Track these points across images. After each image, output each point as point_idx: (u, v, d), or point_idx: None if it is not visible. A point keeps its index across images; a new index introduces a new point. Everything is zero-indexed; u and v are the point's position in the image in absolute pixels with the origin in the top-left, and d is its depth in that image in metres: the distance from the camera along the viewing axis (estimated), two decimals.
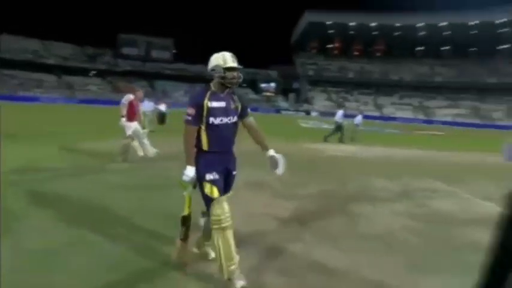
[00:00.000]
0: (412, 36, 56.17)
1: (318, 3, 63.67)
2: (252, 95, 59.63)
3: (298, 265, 2.91)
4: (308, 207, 4.63)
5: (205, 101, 2.49)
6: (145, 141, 7.33)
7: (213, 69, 2.56)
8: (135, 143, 7.32)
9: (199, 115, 2.48)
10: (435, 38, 55.16)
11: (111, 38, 59.04)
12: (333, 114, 15.50)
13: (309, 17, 57.29)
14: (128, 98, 7.16)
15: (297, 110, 51.51)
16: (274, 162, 2.67)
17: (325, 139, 13.66)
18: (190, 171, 2.54)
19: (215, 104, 2.52)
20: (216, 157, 2.58)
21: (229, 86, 2.55)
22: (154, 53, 60.84)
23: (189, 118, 2.49)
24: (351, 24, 57.35)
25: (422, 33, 55.40)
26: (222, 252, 2.39)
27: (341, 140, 13.80)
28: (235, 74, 2.54)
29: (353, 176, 7.03)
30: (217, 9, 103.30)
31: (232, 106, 2.61)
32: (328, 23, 57.70)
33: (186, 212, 2.70)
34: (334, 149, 11.49)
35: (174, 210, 3.11)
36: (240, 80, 2.58)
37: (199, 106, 2.48)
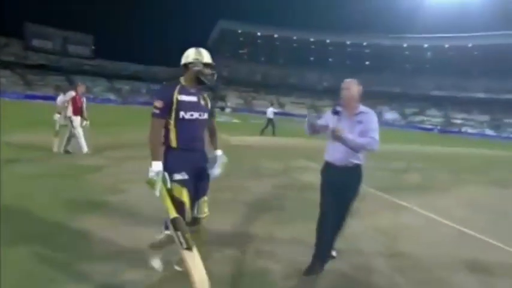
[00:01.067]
0: (306, 48, 60.95)
1: (231, 13, 64.22)
2: None
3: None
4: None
5: (175, 94, 2.14)
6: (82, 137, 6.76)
7: (190, 63, 2.21)
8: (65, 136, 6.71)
9: (168, 108, 2.13)
10: (322, 52, 60.92)
11: (16, 28, 50.39)
12: (243, 110, 16.10)
13: (222, 25, 57.80)
14: (70, 94, 6.66)
15: (213, 107, 51.56)
16: (213, 162, 2.37)
17: (261, 132, 14.01)
18: (156, 166, 2.07)
19: (185, 98, 2.17)
20: (186, 155, 2.19)
21: (206, 82, 2.23)
22: (72, 48, 54.26)
23: (156, 111, 2.11)
24: (258, 34, 59.66)
25: (312, 46, 60.68)
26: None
27: (273, 133, 14.07)
28: (211, 71, 2.26)
29: (249, 160, 7.72)
30: (138, 8, 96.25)
31: (203, 102, 2.28)
32: (239, 31, 59.18)
33: (172, 214, 2.04)
34: (239, 139, 12.18)
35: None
36: (215, 77, 2.28)
37: (168, 99, 2.12)
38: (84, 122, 6.85)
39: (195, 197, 2.24)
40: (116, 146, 7.81)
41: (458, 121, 52.28)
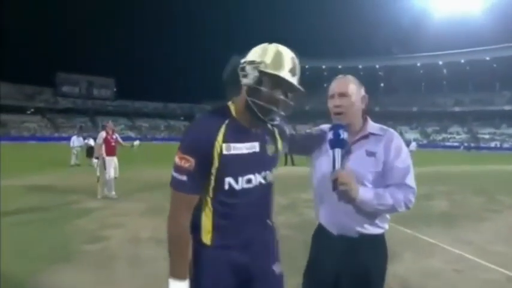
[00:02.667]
0: (319, 75, 61.32)
1: (244, 49, 66.82)
2: None
3: None
4: None
5: (217, 140, 1.04)
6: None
7: (242, 68, 1.09)
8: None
9: (204, 171, 1.06)
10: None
11: (49, 77, 54.43)
12: None
13: (235, 60, 59.69)
14: (101, 136, 6.37)
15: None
16: None
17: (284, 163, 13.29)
18: None
19: (240, 149, 1.08)
20: (234, 258, 1.14)
21: (260, 115, 1.07)
22: (96, 92, 57.66)
23: (182, 178, 1.04)
24: None
25: (325, 73, 60.91)
26: None
27: (292, 162, 13.48)
28: (281, 95, 1.08)
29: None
30: (156, 47, 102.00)
31: (270, 150, 1.19)
32: None
33: None
34: None
35: None
36: (289, 112, 1.15)
37: (203, 151, 1.04)
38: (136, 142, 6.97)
39: None
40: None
41: (486, 136, 49.55)
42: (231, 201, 1.10)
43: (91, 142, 13.13)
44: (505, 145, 44.53)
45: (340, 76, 1.41)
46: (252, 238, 1.17)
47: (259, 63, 1.05)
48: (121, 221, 4.59)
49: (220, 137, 1.04)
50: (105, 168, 6.24)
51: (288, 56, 1.08)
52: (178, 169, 1.04)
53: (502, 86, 52.00)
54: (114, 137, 6.47)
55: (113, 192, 6.24)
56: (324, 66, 59.29)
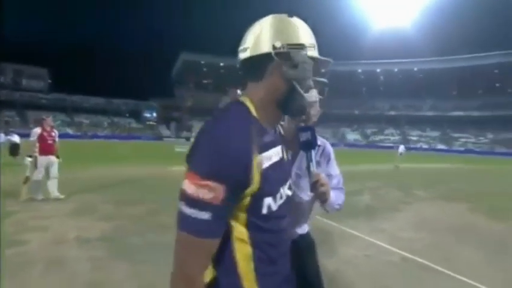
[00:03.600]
0: None
1: (193, 45, 65.11)
2: (134, 124, 56.19)
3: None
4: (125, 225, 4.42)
5: (255, 152, 0.74)
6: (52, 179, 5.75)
7: (276, 53, 0.79)
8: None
9: (234, 201, 0.74)
10: None
11: None
12: None
13: (184, 56, 58.30)
14: (35, 132, 5.63)
15: (178, 137, 50.57)
16: None
17: None
18: None
19: (269, 156, 0.81)
20: None
21: (299, 114, 0.91)
22: (25, 82, 51.72)
23: (202, 216, 0.69)
24: (221, 64, 60.68)
25: None
26: None
27: None
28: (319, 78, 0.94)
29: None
30: (101, 40, 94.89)
31: (288, 154, 1.07)
32: (202, 62, 59.95)
33: None
34: None
35: None
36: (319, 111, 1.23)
37: (239, 171, 0.71)
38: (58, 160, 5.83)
39: None
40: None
41: (414, 138, 55.34)
42: (268, 227, 0.80)
43: (15, 139, 11.85)
44: (427, 146, 50.31)
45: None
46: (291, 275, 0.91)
47: (303, 46, 0.81)
48: (43, 223, 4.27)
49: (255, 147, 0.75)
50: (36, 168, 5.65)
51: (311, 33, 0.87)
52: (195, 202, 0.69)
53: (426, 94, 58.50)
54: (52, 134, 5.86)
55: (57, 193, 5.77)
56: None
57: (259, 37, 0.81)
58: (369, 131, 58.68)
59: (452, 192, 8.58)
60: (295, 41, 0.80)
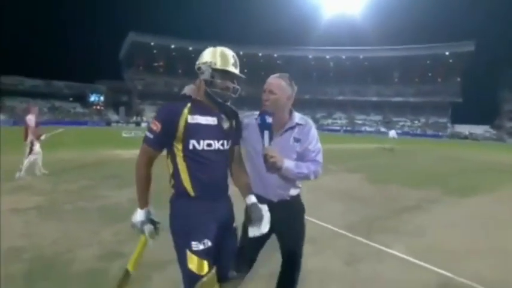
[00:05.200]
0: None
1: (142, 25, 61.95)
2: (80, 109, 53.06)
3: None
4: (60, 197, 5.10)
5: (184, 114, 1.49)
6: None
7: (198, 68, 1.57)
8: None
9: (169, 135, 1.49)
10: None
11: None
12: None
13: (133, 37, 55.53)
14: (31, 120, 6.52)
15: (128, 122, 48.92)
16: (258, 215, 1.57)
17: None
18: (140, 215, 1.57)
19: (200, 119, 1.51)
20: (206, 207, 1.54)
21: (218, 99, 1.54)
22: None
23: (150, 136, 1.49)
24: (172, 46, 58.99)
25: None
26: None
27: None
28: (230, 83, 1.55)
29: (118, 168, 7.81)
30: (35, 15, 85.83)
31: (226, 125, 1.60)
32: (152, 43, 57.64)
33: (130, 267, 1.68)
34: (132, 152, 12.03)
35: None
36: (237, 94, 1.58)
37: (172, 120, 1.47)
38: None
39: (219, 265, 1.56)
40: None
41: (360, 121, 59.80)
42: (197, 159, 1.50)
43: None
44: (371, 129, 54.89)
45: (274, 75, 1.85)
46: (217, 192, 1.59)
47: (211, 62, 1.52)
48: None
49: (186, 110, 1.48)
50: (32, 151, 6.53)
51: (230, 54, 1.56)
52: (149, 130, 1.49)
53: (371, 80, 62.97)
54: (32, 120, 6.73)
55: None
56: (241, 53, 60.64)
57: (201, 57, 1.58)
58: (318, 115, 61.89)
59: (358, 166, 10.32)
60: (203, 60, 1.55)
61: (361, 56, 61.52)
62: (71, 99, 54.52)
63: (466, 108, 54.04)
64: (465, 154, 18.59)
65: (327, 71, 66.22)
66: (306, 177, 1.77)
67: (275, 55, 63.00)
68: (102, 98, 56.82)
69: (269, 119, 1.70)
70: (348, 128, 54.46)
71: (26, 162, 6.42)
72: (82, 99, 54.88)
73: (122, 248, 3.13)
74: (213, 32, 67.62)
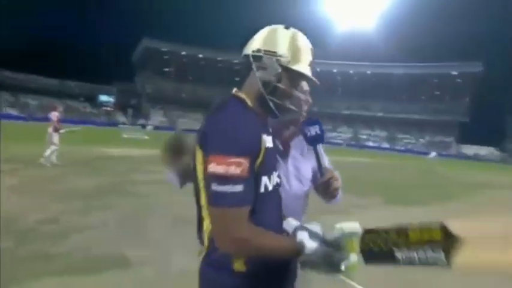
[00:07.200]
0: (230, 68, 64.18)
1: (155, 31, 64.18)
2: (90, 109, 55.20)
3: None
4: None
5: (262, 135, 0.93)
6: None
7: (255, 57, 0.98)
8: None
9: (253, 173, 0.89)
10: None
11: None
12: (168, 129, 16.83)
13: (146, 43, 57.94)
14: (56, 115, 8.61)
15: (134, 124, 50.52)
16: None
17: None
18: (308, 242, 0.90)
19: (268, 142, 0.96)
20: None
21: (288, 116, 1.13)
22: None
23: (235, 189, 0.84)
24: (183, 53, 61.14)
25: (237, 67, 64.05)
26: None
27: None
28: (302, 94, 1.16)
29: (102, 163, 8.85)
30: (57, 22, 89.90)
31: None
32: (163, 49, 60.00)
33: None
34: (123, 151, 13.15)
35: None
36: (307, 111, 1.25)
37: (255, 145, 0.90)
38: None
39: None
40: None
41: (364, 136, 60.14)
42: (261, 208, 0.92)
43: None
44: (373, 144, 55.23)
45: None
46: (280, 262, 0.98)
47: (281, 56, 0.95)
48: None
49: (260, 129, 0.92)
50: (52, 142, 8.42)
51: (308, 47, 1.02)
52: (228, 179, 0.82)
53: (376, 96, 63.48)
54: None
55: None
56: (235, 61, 62.32)
57: (251, 41, 1.00)
58: (324, 128, 62.36)
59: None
60: (270, 49, 0.95)
61: (368, 72, 62.24)
62: (82, 99, 56.73)
63: (472, 129, 53.87)
64: (448, 171, 19.08)
65: (335, 85, 67.08)
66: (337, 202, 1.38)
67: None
68: (112, 99, 58.86)
69: (319, 129, 1.20)
70: (350, 143, 54.87)
71: (47, 151, 8.17)
72: (93, 99, 57.06)
73: (59, 216, 4.09)
74: (229, 40, 69.34)
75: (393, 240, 0.84)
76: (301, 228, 0.96)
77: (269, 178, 0.95)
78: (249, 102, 0.98)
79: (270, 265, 0.95)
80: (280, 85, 0.96)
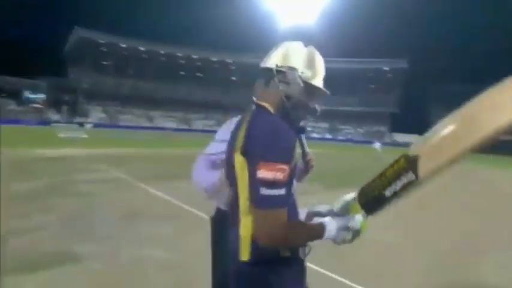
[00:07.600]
0: (175, 62, 62.16)
1: (87, 21, 59.08)
2: (14, 107, 49.37)
3: None
4: None
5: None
6: None
7: (279, 72, 1.12)
8: None
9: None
10: (191, 66, 63.27)
11: None
12: (109, 126, 15.84)
13: (80, 33, 53.17)
14: None
15: (70, 123, 46.55)
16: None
17: None
18: (357, 218, 1.05)
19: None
20: (302, 272, 1.16)
21: (301, 123, 1.23)
22: None
23: (280, 192, 0.97)
24: (123, 46, 57.53)
25: (181, 61, 62.33)
26: None
27: None
28: (317, 105, 1.23)
29: (39, 165, 8.33)
30: None
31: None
32: (101, 41, 55.74)
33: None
34: (60, 151, 12.32)
35: None
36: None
37: (294, 154, 1.02)
38: None
39: None
40: None
41: (309, 128, 63.29)
42: (292, 207, 1.08)
43: None
44: (318, 136, 58.41)
45: None
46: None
47: (302, 72, 1.11)
48: None
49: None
50: None
51: (322, 62, 1.17)
52: (274, 184, 0.94)
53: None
54: None
55: None
56: (179, 54, 60.69)
57: (271, 55, 1.14)
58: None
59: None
60: (291, 64, 1.10)
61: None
62: (4, 95, 50.49)
63: (402, 119, 59.86)
64: (387, 157, 21.08)
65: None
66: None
67: (229, 61, 64.23)
68: (41, 96, 53.33)
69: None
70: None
71: None
72: (17, 96, 51.14)
73: None
74: (172, 33, 66.73)
75: (379, 184, 1.02)
76: (315, 213, 1.17)
77: (294, 179, 1.09)
78: (272, 112, 1.11)
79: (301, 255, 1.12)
80: (301, 98, 1.12)
